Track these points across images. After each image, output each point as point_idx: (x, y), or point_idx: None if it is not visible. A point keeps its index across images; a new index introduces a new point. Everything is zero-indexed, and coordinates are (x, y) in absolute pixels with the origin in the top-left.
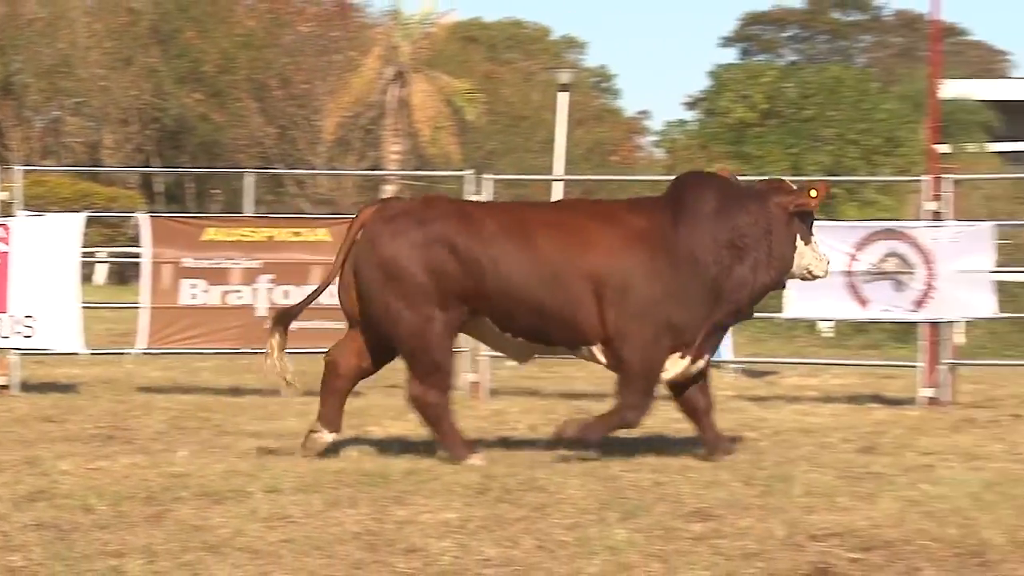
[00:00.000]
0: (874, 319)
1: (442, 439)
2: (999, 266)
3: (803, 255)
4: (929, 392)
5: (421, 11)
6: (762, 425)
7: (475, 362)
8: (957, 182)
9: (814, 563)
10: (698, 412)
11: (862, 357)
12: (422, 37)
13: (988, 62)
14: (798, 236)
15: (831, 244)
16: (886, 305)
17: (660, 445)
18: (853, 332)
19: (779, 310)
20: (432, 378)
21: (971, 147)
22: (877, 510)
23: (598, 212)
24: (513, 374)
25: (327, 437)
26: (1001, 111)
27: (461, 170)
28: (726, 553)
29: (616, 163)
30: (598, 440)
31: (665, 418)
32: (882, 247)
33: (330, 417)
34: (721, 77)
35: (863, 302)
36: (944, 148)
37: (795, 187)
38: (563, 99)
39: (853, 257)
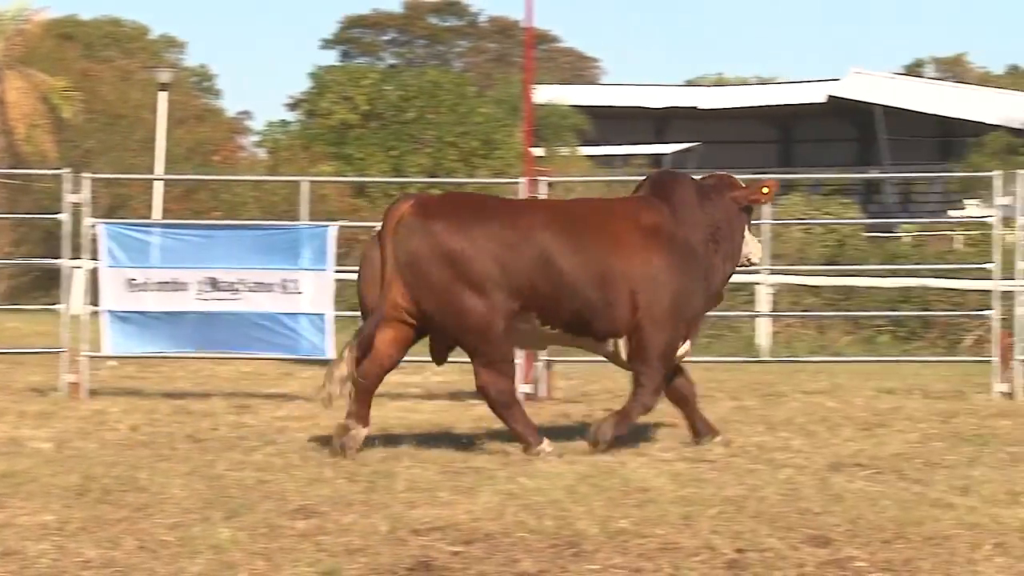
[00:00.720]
0: None
1: (512, 427)
2: None
3: (748, 244)
4: (527, 388)
5: (14, 7)
6: None
7: (74, 362)
8: (551, 184)
9: (416, 557)
10: (687, 399)
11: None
12: (16, 34)
13: (579, 68)
14: (745, 227)
15: None
16: None
17: (265, 444)
18: None
19: None
20: (499, 366)
21: (564, 150)
22: (477, 504)
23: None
24: (113, 374)
25: (362, 433)
26: (591, 115)
27: (58, 168)
28: (330, 549)
29: (218, 163)
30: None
31: (269, 418)
32: None
33: (361, 413)
34: (322, 79)
35: None
36: (539, 151)
37: (742, 183)
38: (163, 98)
39: None
